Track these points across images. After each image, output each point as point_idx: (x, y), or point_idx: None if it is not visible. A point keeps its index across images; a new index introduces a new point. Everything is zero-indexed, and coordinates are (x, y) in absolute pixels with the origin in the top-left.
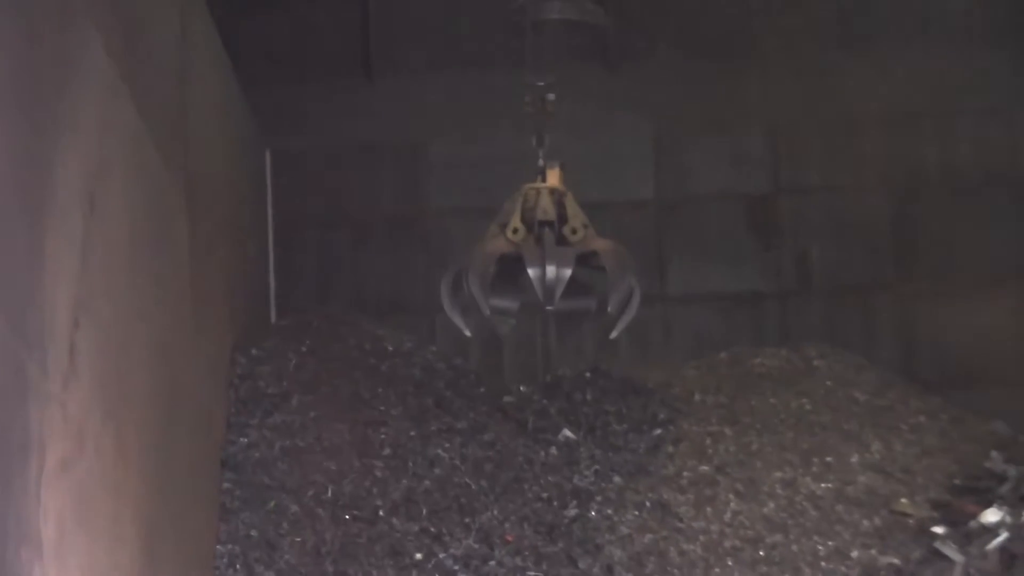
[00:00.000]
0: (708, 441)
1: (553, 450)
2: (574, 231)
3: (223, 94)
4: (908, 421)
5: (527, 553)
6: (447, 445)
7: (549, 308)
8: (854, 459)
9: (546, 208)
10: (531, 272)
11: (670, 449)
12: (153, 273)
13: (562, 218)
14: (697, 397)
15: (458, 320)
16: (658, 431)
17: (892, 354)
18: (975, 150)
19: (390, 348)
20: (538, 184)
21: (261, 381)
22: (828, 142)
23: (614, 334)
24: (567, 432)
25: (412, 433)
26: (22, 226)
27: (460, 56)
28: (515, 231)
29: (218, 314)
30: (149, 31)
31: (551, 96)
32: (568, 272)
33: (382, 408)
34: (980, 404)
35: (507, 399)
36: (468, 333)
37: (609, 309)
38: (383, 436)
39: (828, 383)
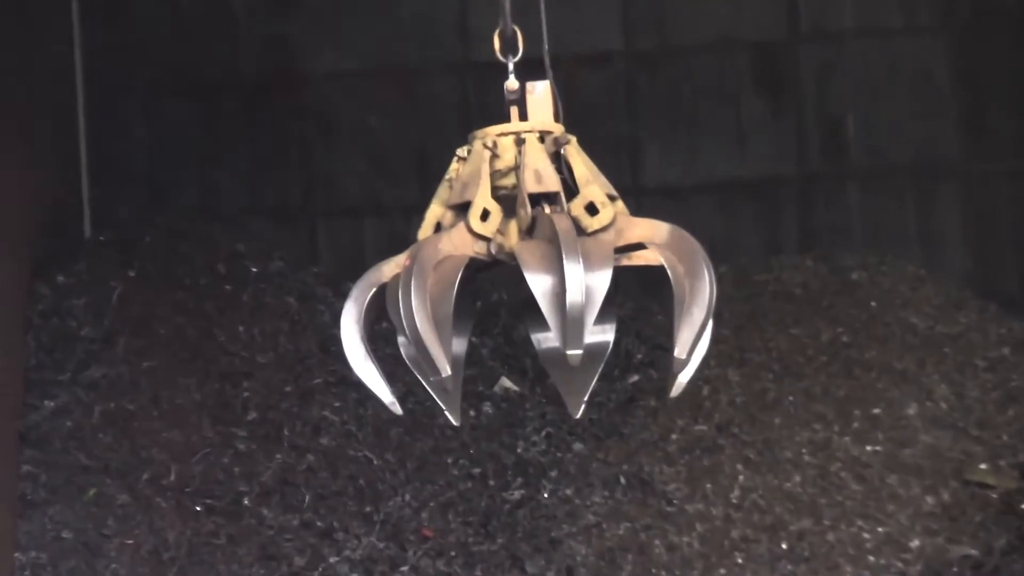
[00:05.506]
0: (705, 391)
1: (487, 407)
2: (592, 209)
3: None
4: (986, 355)
5: (454, 553)
6: (337, 404)
7: (574, 354)
8: (911, 410)
9: (541, 171)
10: (537, 288)
11: (652, 403)
12: None
13: (567, 186)
14: None
15: (381, 388)
16: (635, 378)
17: (962, 262)
18: None
19: (254, 269)
20: (515, 125)
21: (72, 320)
22: None
23: (674, 392)
24: (506, 381)
25: (287, 389)
26: None
27: None
28: (485, 215)
29: (9, 229)
30: None
31: None
32: (605, 286)
33: (244, 355)
34: None
35: None
36: (398, 410)
37: (676, 353)
38: (247, 394)
39: (873, 304)
